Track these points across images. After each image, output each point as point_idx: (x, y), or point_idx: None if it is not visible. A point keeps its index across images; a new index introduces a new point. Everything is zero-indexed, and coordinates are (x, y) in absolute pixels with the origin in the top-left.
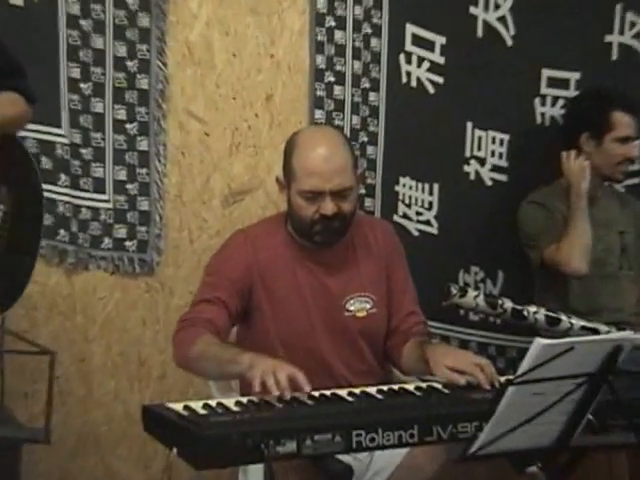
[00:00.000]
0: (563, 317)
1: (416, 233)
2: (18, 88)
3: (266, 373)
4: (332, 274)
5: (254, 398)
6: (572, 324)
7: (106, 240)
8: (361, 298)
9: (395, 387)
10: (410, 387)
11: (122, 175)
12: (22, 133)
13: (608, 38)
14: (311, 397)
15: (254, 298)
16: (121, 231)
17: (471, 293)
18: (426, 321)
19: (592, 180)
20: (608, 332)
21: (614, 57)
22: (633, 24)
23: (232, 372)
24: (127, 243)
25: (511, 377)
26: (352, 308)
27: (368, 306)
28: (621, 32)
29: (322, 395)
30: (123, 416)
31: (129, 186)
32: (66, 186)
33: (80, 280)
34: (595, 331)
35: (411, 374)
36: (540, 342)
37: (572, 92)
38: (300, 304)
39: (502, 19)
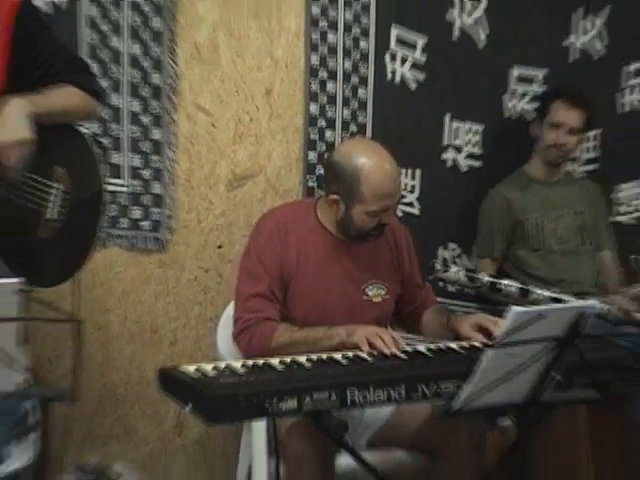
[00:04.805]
0: (533, 289)
1: (400, 214)
2: (79, 83)
3: (371, 336)
4: (355, 261)
5: (258, 361)
6: (541, 295)
7: (123, 220)
8: (378, 284)
9: (386, 351)
10: (398, 352)
11: (137, 162)
12: None
13: (567, 41)
14: (309, 360)
15: (287, 281)
16: (136, 212)
17: (453, 269)
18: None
19: (543, 166)
20: (573, 302)
21: (573, 58)
22: (587, 31)
23: (329, 346)
24: (142, 223)
25: (489, 342)
26: (370, 293)
27: (383, 292)
28: (578, 37)
29: (319, 358)
30: (138, 379)
31: (143, 172)
32: None
33: (100, 256)
34: (561, 301)
35: (430, 336)
36: (515, 310)
37: (537, 88)
38: (325, 288)
39: (475, 24)
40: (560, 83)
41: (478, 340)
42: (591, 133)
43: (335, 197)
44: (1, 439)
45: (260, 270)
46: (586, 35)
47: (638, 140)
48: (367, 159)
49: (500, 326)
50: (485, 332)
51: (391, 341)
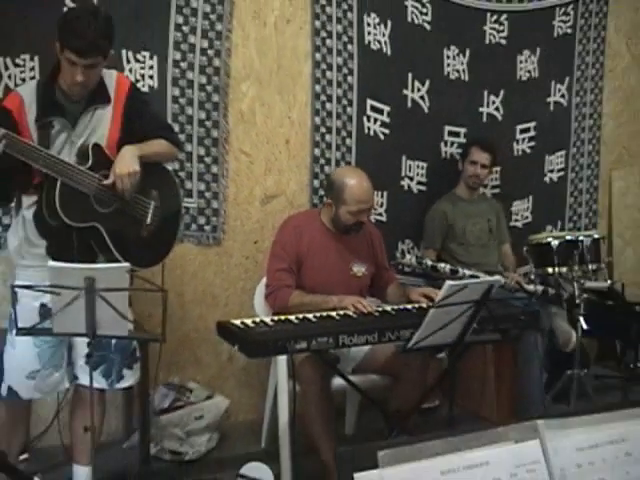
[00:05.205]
0: (459, 269)
1: (374, 220)
2: (166, 137)
3: (354, 301)
4: (345, 248)
5: (281, 317)
6: (464, 273)
7: (193, 225)
8: (360, 264)
9: (365, 311)
10: (372, 311)
11: (202, 187)
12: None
13: (480, 110)
14: (315, 316)
15: (300, 262)
16: (202, 220)
17: (407, 256)
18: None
19: (466, 189)
20: (485, 277)
21: (484, 120)
22: (492, 104)
23: (326, 307)
24: (205, 227)
25: (431, 304)
26: (355, 269)
27: (363, 269)
28: (487, 107)
29: (321, 315)
30: (204, 328)
31: (206, 194)
32: None
33: (179, 249)
34: (477, 277)
35: (392, 302)
36: (448, 283)
37: (462, 139)
38: (327, 267)
39: (421, 98)
40: (476, 136)
41: (424, 303)
42: (496, 168)
43: (329, 201)
44: (119, 365)
45: (283, 255)
46: (491, 106)
47: (525, 173)
48: (350, 178)
49: (438, 294)
50: (428, 298)
51: (368, 305)
